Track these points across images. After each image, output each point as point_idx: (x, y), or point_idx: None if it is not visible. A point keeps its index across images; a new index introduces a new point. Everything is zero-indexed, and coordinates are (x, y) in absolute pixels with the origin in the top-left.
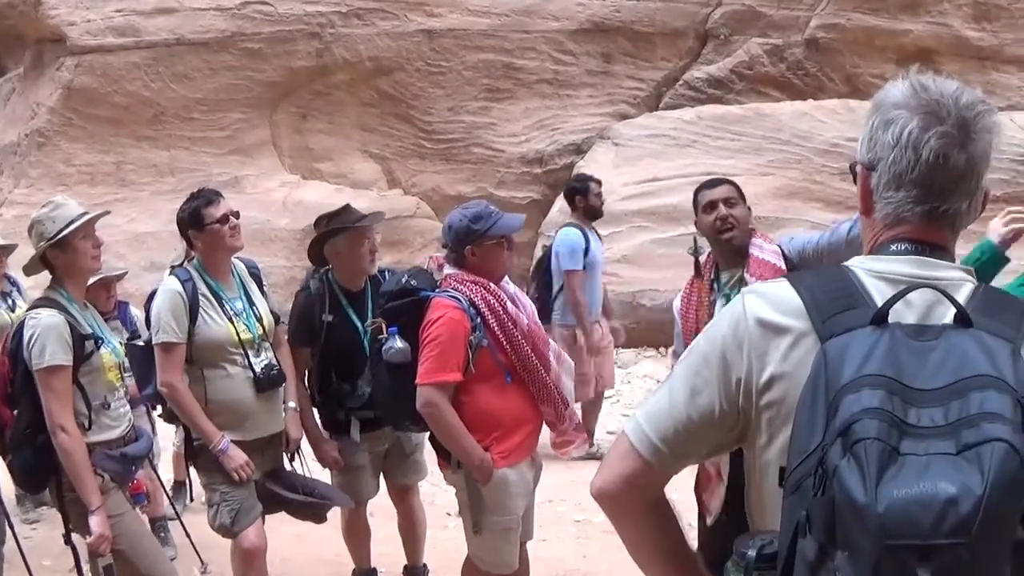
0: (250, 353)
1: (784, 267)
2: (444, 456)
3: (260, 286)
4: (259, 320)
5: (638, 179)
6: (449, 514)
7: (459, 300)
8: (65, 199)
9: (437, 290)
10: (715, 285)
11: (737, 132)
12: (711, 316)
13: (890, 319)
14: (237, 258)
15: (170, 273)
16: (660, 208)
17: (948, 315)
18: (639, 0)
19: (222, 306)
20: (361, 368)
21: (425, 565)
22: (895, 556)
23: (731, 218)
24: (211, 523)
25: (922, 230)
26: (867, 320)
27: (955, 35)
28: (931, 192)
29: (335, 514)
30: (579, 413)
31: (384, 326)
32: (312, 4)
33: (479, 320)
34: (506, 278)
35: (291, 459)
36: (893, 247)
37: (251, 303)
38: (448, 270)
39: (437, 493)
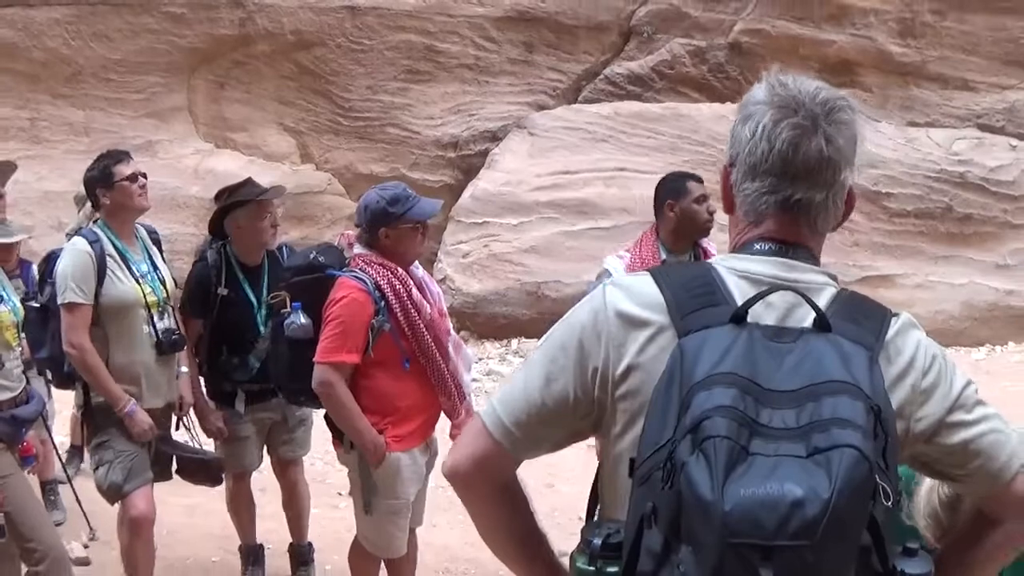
0: (155, 315)
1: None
2: (338, 435)
3: (160, 252)
4: (162, 283)
5: (551, 170)
6: (340, 494)
7: (364, 282)
8: None
9: (344, 269)
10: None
11: (653, 130)
12: None
13: (750, 319)
14: (139, 223)
15: (70, 236)
16: (570, 201)
17: (808, 318)
18: None
19: (128, 267)
20: (252, 342)
21: (310, 543)
22: (738, 554)
23: (713, 215)
24: (100, 484)
25: (782, 226)
26: (726, 318)
27: (878, 49)
28: (784, 180)
29: (224, 489)
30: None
31: (288, 300)
32: None
33: (383, 304)
34: (416, 263)
35: (178, 424)
36: (757, 246)
37: (155, 267)
38: (358, 250)
39: (329, 472)
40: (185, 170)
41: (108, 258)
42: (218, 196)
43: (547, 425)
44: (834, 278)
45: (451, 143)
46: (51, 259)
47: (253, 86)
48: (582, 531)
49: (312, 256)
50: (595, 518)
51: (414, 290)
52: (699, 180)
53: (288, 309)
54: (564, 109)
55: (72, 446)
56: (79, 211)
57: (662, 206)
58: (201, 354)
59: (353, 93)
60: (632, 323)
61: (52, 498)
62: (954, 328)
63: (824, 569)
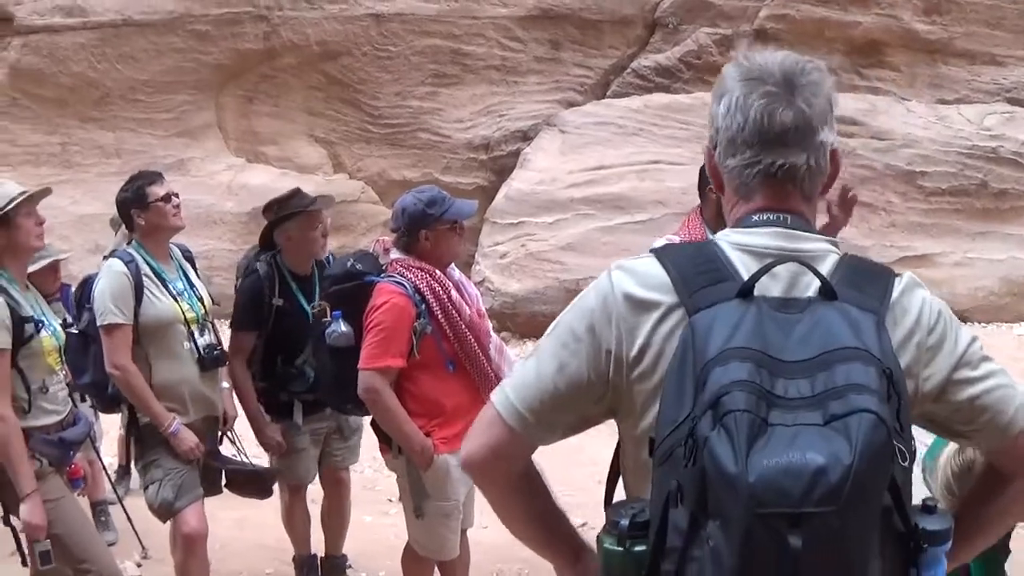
0: (195, 332)
1: None
2: (385, 441)
3: (195, 269)
4: (200, 300)
5: (584, 167)
6: (391, 500)
7: (404, 286)
8: (2, 179)
9: (383, 275)
10: None
11: (684, 121)
12: None
13: (756, 292)
14: (172, 243)
15: (107, 258)
16: (605, 196)
17: (813, 286)
18: None
19: (165, 286)
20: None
21: (345, 555)
22: (766, 524)
23: None
24: (151, 502)
25: (772, 196)
26: (733, 294)
27: (904, 28)
28: (764, 149)
29: (276, 499)
30: None
31: (328, 310)
32: None
33: (424, 307)
34: (452, 264)
35: (221, 438)
36: (755, 218)
37: (191, 284)
38: (395, 255)
39: (379, 479)
40: (218, 186)
41: (144, 278)
42: (267, 208)
43: (561, 410)
44: (835, 244)
45: (482, 145)
46: (87, 284)
47: (281, 99)
48: (607, 513)
49: (349, 264)
50: (614, 500)
51: (453, 292)
52: None
53: (329, 319)
54: (594, 105)
55: (120, 466)
56: (116, 234)
57: (705, 188)
58: (254, 366)
59: (382, 100)
60: (641, 305)
61: (103, 519)
62: (995, 304)
63: (850, 533)
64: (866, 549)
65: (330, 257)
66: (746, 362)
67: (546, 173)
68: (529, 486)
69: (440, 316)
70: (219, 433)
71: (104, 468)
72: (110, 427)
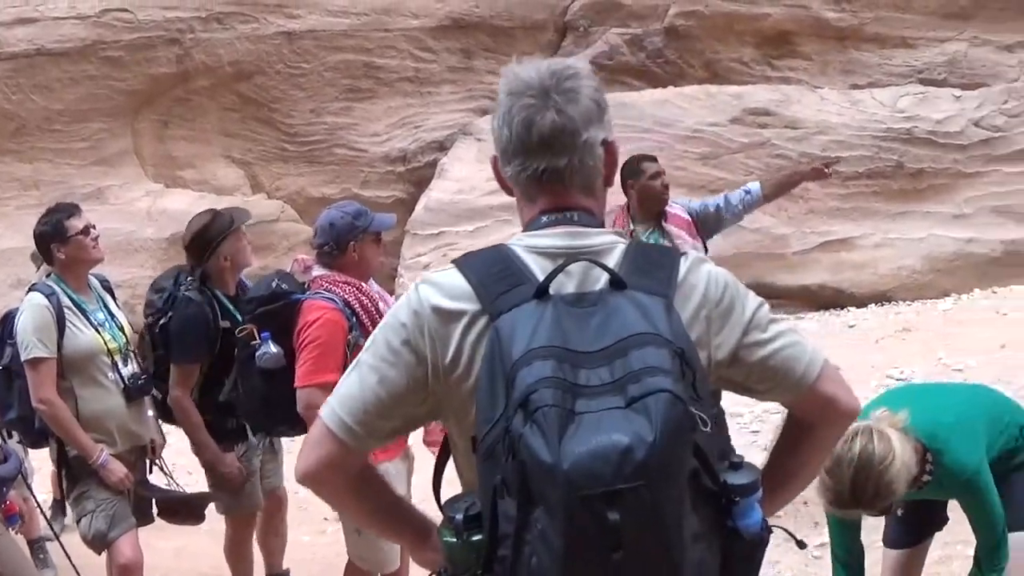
0: (118, 362)
1: (688, 218)
2: None
3: (114, 299)
4: (121, 330)
5: None
6: (326, 519)
7: (334, 301)
8: None
9: (308, 292)
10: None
11: None
12: None
13: (552, 291)
14: (91, 273)
15: (29, 291)
16: None
17: (604, 279)
18: None
19: (86, 317)
20: None
21: (288, 570)
22: (585, 504)
23: (667, 187)
24: (84, 534)
25: (550, 197)
26: (531, 295)
27: (814, 16)
28: (528, 157)
29: (212, 528)
30: None
31: (256, 332)
32: (172, 10)
33: (355, 320)
34: (371, 279)
35: (150, 467)
36: (543, 219)
37: (111, 315)
38: (318, 271)
39: (312, 498)
40: (138, 213)
41: (66, 310)
42: (194, 244)
43: (386, 418)
44: (619, 234)
45: (399, 157)
46: (7, 320)
47: (197, 122)
48: (443, 508)
49: (275, 284)
50: (441, 496)
51: (381, 304)
52: (654, 160)
53: (257, 341)
54: None
55: (55, 501)
56: (38, 269)
57: (624, 186)
58: (195, 398)
59: (297, 118)
60: (448, 316)
61: (41, 556)
62: (918, 282)
63: (662, 500)
64: (679, 511)
65: (242, 279)
66: (548, 360)
67: (464, 182)
68: (367, 487)
69: (370, 328)
70: (148, 462)
71: (39, 505)
72: (43, 464)
